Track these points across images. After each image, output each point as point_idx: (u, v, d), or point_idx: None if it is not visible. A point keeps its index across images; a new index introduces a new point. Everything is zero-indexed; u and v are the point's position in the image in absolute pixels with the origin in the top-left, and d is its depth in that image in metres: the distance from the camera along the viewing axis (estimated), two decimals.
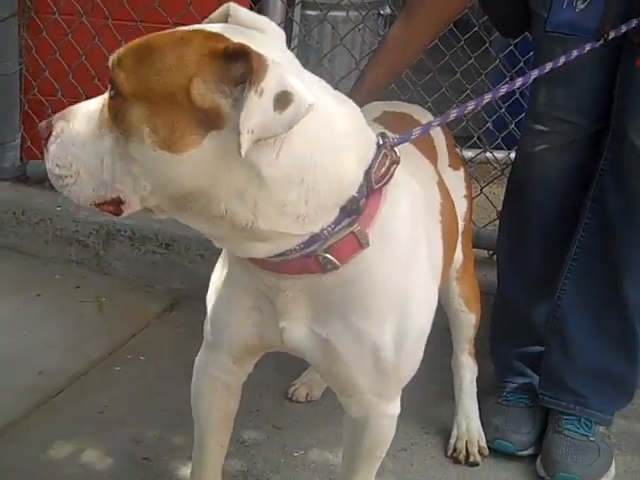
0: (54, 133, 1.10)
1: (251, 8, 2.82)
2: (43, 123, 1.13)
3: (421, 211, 1.27)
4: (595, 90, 1.79)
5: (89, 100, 1.12)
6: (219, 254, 2.51)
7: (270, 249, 1.11)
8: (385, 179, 1.13)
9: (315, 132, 1.05)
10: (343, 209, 1.10)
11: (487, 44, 2.96)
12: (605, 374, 1.86)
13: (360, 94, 1.72)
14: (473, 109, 1.41)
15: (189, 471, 1.69)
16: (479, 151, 2.86)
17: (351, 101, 1.17)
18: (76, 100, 2.74)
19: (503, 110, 2.86)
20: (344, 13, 3.09)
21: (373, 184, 1.11)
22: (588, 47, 1.59)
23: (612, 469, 1.83)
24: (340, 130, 1.09)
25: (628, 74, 1.71)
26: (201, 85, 1.00)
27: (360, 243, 1.12)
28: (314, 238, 1.10)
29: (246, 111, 0.95)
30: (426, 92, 2.85)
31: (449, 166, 1.72)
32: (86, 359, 2.16)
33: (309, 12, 3.23)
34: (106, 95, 1.09)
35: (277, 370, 2.09)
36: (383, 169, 1.13)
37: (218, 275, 1.34)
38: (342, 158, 1.09)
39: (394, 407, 1.35)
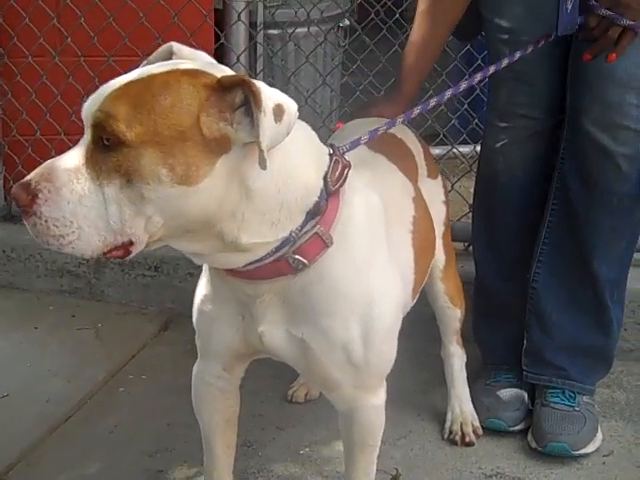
0: (41, 196, 1.10)
1: (217, 34, 2.93)
2: (18, 189, 1.11)
3: (379, 216, 1.37)
4: (551, 86, 1.91)
5: (61, 157, 1.14)
6: None
7: (248, 258, 1.22)
8: (340, 181, 1.26)
9: (285, 145, 1.15)
10: (308, 213, 1.22)
11: (446, 46, 3.08)
12: (583, 347, 1.98)
13: (400, 104, 1.89)
14: (436, 105, 1.55)
15: (200, 478, 1.79)
16: (446, 147, 2.97)
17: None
18: (54, 138, 2.86)
19: (465, 107, 2.99)
20: (305, 29, 3.21)
21: (330, 187, 1.24)
22: (530, 48, 1.71)
23: (599, 435, 1.94)
24: (301, 143, 1.21)
25: (577, 68, 1.83)
26: (207, 119, 1.10)
27: (325, 242, 1.24)
28: (284, 242, 1.22)
29: (262, 131, 1.06)
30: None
31: (428, 176, 1.82)
32: (90, 383, 2.24)
33: (271, 31, 3.33)
34: (80, 149, 1.12)
35: (275, 376, 2.19)
36: (337, 173, 1.26)
37: (201, 290, 1.43)
38: (305, 167, 1.21)
39: (377, 398, 1.42)
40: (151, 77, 1.13)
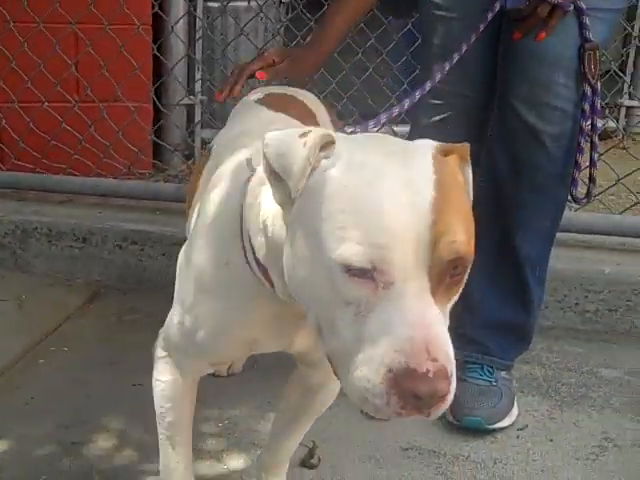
0: (450, 370, 0.90)
1: (153, 4, 2.88)
2: (442, 385, 0.89)
3: None
4: (483, 64, 1.91)
5: (419, 322, 0.90)
6: (136, 243, 2.57)
7: None
8: None
9: None
10: None
11: (385, 25, 3.08)
12: (503, 323, 1.99)
13: (319, 53, 1.84)
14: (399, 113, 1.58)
15: (115, 451, 1.79)
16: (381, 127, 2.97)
17: None
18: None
19: (404, 86, 2.99)
20: (245, 3, 3.17)
21: None
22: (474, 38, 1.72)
23: (514, 410, 1.96)
24: None
25: (508, 47, 1.84)
26: None
27: None
28: None
29: None
30: (329, 73, 2.96)
31: None
32: (9, 354, 2.18)
33: (211, 4, 3.28)
34: (422, 292, 0.92)
35: None
36: None
37: (214, 292, 1.23)
38: None
39: None
40: (434, 175, 0.96)
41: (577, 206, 2.50)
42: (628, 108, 3.80)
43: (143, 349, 2.22)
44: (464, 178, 1.04)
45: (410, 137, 2.12)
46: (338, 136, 1.02)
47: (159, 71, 3.11)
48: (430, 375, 0.87)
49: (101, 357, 2.18)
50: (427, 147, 1.02)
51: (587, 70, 1.81)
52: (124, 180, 2.86)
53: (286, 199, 1.01)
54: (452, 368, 0.90)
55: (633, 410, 2.00)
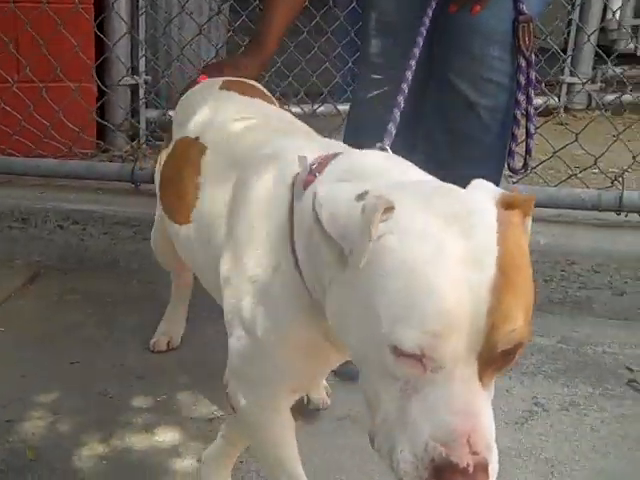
0: (493, 464, 0.90)
1: None
2: (479, 477, 0.88)
3: None
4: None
5: (471, 413, 0.89)
6: (78, 223, 2.54)
7: None
8: None
9: None
10: None
11: (329, 4, 3.08)
12: None
13: (261, 61, 1.90)
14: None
15: (50, 428, 1.77)
16: (329, 105, 2.99)
17: None
18: None
19: (349, 65, 2.99)
20: None
21: None
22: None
23: None
24: None
25: (444, 20, 1.84)
26: None
27: None
28: None
29: None
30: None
31: None
32: None
33: None
34: (474, 385, 0.90)
35: (139, 326, 2.17)
36: None
37: (281, 317, 1.17)
38: None
39: None
40: (497, 243, 0.91)
41: (515, 179, 2.54)
42: (569, 85, 3.87)
43: (82, 328, 2.23)
44: (526, 232, 0.98)
45: (350, 112, 2.13)
46: (398, 196, 0.94)
47: (103, 50, 3.07)
48: (470, 470, 0.87)
49: (39, 336, 2.16)
50: (490, 201, 0.97)
51: (521, 42, 1.83)
52: (66, 160, 2.82)
53: (337, 263, 0.96)
54: (492, 457, 0.90)
55: (565, 376, 2.04)
